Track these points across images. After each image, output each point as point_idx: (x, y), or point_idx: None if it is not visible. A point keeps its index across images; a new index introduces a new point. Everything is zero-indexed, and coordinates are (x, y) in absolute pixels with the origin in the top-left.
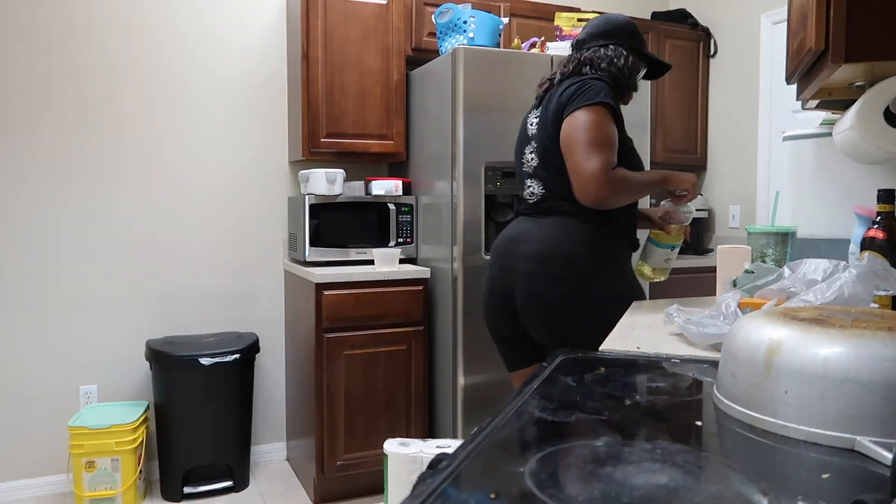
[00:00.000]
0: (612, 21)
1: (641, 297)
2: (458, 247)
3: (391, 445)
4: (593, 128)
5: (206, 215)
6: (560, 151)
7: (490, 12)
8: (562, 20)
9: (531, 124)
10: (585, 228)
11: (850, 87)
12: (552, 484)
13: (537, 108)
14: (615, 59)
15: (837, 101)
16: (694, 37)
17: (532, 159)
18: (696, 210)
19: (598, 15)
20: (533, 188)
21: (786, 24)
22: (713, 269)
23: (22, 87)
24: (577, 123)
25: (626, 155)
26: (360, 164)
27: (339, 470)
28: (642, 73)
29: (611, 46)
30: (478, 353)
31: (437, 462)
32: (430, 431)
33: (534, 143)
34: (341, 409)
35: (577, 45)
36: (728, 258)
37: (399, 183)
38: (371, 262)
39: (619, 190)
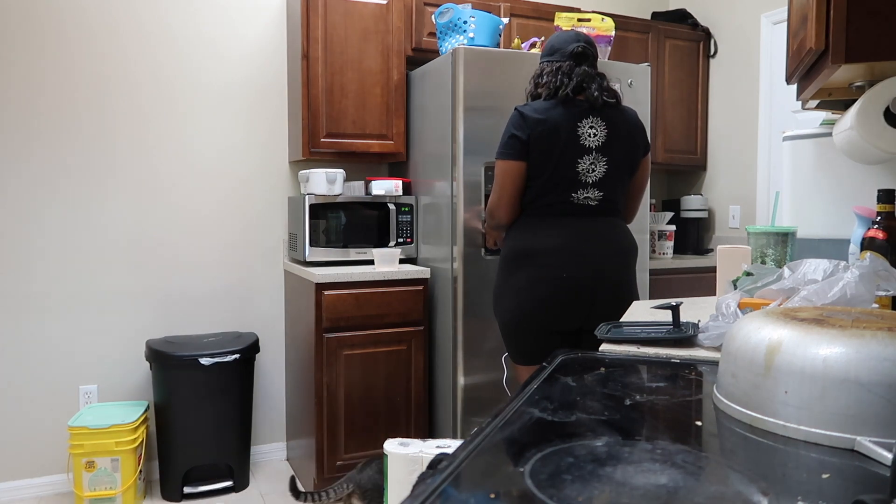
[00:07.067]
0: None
1: None
2: (458, 247)
3: (391, 445)
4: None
5: (206, 215)
6: (627, 171)
7: (490, 12)
8: (562, 20)
9: (591, 135)
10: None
11: (850, 87)
12: (552, 484)
13: (588, 116)
14: None
15: (837, 101)
16: (694, 37)
17: (592, 170)
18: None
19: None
20: (590, 194)
21: (786, 24)
22: (713, 269)
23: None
24: (647, 168)
25: None
26: (360, 164)
27: (339, 470)
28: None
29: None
30: (478, 353)
31: (437, 462)
32: (430, 431)
33: (597, 155)
34: (341, 409)
35: (593, 62)
36: (728, 258)
37: (399, 183)
38: (371, 262)
39: None
